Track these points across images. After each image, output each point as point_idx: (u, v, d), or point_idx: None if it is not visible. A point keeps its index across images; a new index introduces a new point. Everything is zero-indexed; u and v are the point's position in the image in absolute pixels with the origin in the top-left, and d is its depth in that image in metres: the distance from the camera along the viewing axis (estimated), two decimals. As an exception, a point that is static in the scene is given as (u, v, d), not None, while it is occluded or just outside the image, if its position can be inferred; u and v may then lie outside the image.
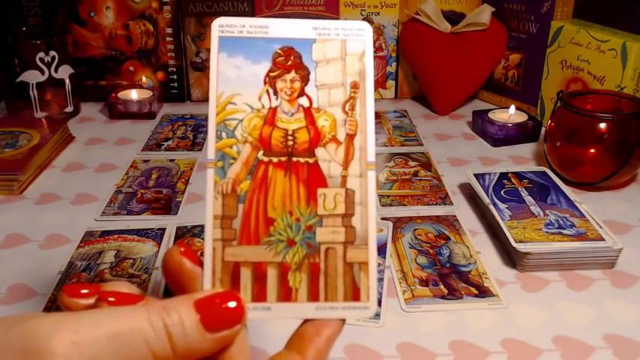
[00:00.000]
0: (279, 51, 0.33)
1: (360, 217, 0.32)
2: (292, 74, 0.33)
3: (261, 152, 0.32)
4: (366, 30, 0.34)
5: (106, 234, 0.63)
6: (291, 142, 0.33)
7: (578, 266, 0.58)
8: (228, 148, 0.32)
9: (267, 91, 0.33)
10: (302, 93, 0.33)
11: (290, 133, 0.33)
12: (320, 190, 0.32)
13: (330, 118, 0.33)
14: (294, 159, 0.32)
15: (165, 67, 1.02)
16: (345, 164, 0.32)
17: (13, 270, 0.58)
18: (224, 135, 0.32)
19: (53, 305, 0.52)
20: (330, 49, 0.33)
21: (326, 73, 0.33)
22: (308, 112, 0.33)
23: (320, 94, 0.33)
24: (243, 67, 0.33)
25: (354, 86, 0.33)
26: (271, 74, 0.33)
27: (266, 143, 0.32)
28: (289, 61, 0.33)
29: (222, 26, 0.33)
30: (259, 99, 0.33)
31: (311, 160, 0.33)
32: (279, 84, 0.33)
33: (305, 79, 0.33)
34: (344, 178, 0.32)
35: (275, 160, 0.32)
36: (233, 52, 0.33)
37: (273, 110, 0.33)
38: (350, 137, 0.33)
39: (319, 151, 0.33)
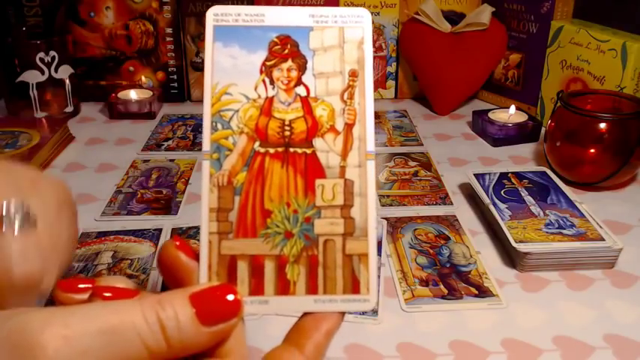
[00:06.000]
0: (275, 39, 0.32)
1: (360, 208, 0.31)
2: (289, 63, 0.32)
3: (257, 143, 0.31)
4: (365, 16, 0.32)
5: (102, 235, 0.63)
6: (288, 133, 0.32)
7: (578, 266, 0.58)
8: (224, 139, 0.31)
9: (264, 81, 0.32)
10: (299, 82, 0.32)
11: (287, 123, 0.32)
12: (318, 181, 0.31)
13: (328, 107, 0.32)
14: (292, 149, 0.31)
15: (165, 67, 1.02)
16: (344, 154, 0.31)
17: (13, 270, 0.57)
18: (219, 126, 0.31)
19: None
20: (327, 36, 0.32)
21: (324, 62, 0.32)
22: (305, 101, 0.32)
23: (318, 82, 0.32)
24: (238, 56, 0.32)
25: (353, 74, 0.32)
26: (267, 63, 0.32)
27: (262, 134, 0.32)
28: (286, 50, 0.32)
29: (217, 15, 0.32)
30: (255, 89, 0.32)
31: (309, 151, 0.32)
32: (276, 73, 0.32)
33: (302, 68, 0.32)
34: (342, 168, 0.31)
35: (272, 151, 0.31)
36: (228, 42, 0.32)
37: (270, 100, 0.32)
38: (349, 127, 0.32)
39: (317, 142, 0.32)
